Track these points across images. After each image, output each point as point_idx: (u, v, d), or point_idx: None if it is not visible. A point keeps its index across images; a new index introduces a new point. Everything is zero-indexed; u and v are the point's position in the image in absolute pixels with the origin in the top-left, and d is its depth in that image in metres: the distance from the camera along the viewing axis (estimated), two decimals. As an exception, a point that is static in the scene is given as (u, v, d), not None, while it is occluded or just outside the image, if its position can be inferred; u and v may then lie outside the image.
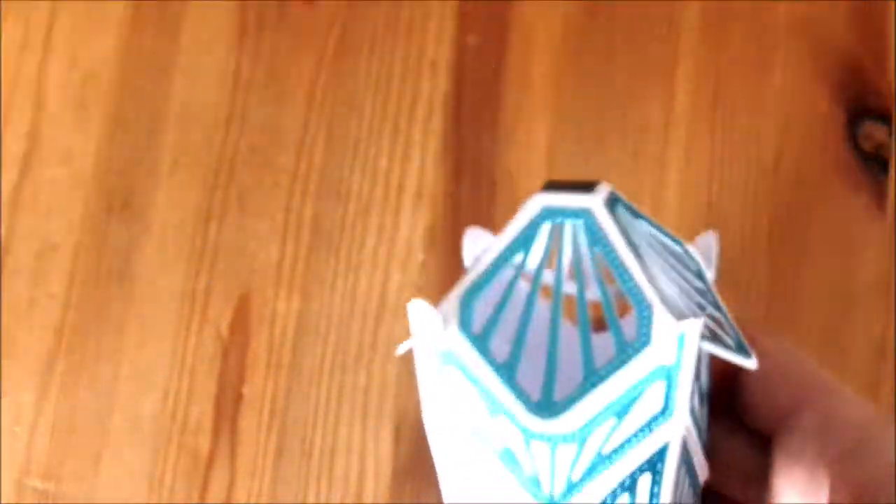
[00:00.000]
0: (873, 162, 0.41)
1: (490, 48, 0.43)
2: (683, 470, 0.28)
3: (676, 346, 0.26)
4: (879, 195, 0.41)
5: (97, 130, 0.42)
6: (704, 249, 0.31)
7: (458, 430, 0.27)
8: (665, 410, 0.27)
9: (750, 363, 0.28)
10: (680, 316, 0.27)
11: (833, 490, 0.28)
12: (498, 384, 0.27)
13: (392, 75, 0.42)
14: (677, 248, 0.30)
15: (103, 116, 0.43)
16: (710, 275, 0.30)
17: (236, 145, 0.42)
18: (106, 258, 0.41)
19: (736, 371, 0.30)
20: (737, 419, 0.31)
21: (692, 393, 0.27)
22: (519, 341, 0.27)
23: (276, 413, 0.40)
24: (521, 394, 0.27)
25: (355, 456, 0.39)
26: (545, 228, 0.28)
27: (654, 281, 0.27)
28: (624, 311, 0.28)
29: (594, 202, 0.27)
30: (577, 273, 0.27)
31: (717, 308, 0.30)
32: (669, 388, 0.26)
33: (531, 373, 0.27)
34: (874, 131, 0.41)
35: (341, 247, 0.41)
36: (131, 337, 0.41)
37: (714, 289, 0.30)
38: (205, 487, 0.39)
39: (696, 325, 0.26)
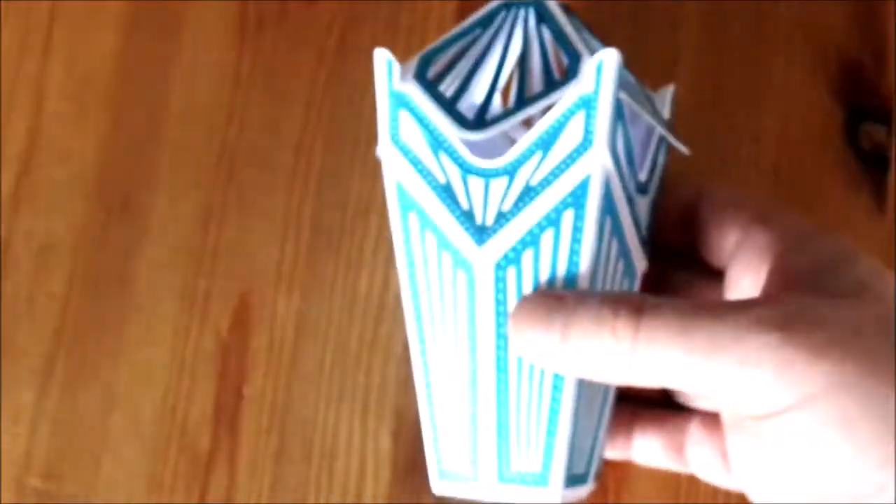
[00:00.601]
0: (873, 162, 0.41)
1: (490, 48, 0.43)
2: (609, 227, 0.30)
3: (595, 75, 0.29)
4: (879, 195, 0.41)
5: (97, 130, 0.42)
6: (661, 98, 0.35)
7: (406, 169, 0.31)
8: (585, 141, 0.29)
9: (683, 147, 0.32)
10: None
11: (776, 275, 0.29)
12: (438, 114, 0.30)
13: (392, 75, 0.42)
14: (630, 74, 0.33)
15: (103, 116, 0.43)
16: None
17: (236, 145, 0.42)
18: (106, 258, 0.41)
19: (690, 216, 0.32)
20: (697, 261, 0.33)
21: (613, 135, 0.29)
22: (465, 82, 0.31)
23: (276, 413, 0.40)
24: (458, 117, 0.30)
25: (355, 456, 0.39)
26: (503, 13, 0.32)
27: (593, 49, 0.31)
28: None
29: None
30: (525, 43, 0.31)
31: (660, 117, 0.33)
32: (589, 117, 0.29)
33: (471, 111, 0.31)
34: (874, 131, 0.41)
35: (341, 247, 0.41)
36: (131, 337, 0.41)
37: (661, 114, 0.33)
38: (205, 487, 0.39)
39: (613, 55, 0.29)
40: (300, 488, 0.39)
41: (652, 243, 0.34)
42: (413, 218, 0.31)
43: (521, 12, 0.32)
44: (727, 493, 0.36)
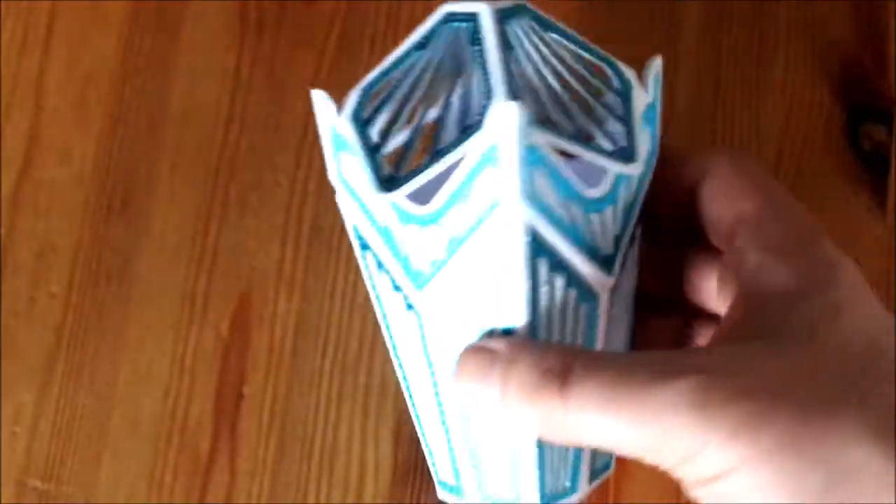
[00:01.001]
0: (873, 162, 0.41)
1: (490, 48, 0.43)
2: (546, 268, 0.28)
3: (496, 129, 0.27)
4: (879, 195, 0.41)
5: (97, 130, 0.42)
6: (651, 75, 0.33)
7: (354, 208, 0.30)
8: (497, 196, 0.28)
9: (627, 167, 0.29)
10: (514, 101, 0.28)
11: (737, 304, 0.28)
12: (361, 167, 0.29)
13: (392, 75, 0.42)
14: (602, 64, 0.31)
15: (103, 116, 0.43)
16: (643, 96, 0.31)
17: (236, 145, 0.42)
18: (106, 258, 0.41)
19: (693, 193, 0.31)
20: (702, 242, 0.32)
21: (531, 182, 0.28)
22: (391, 123, 0.30)
23: (276, 413, 0.40)
24: (375, 170, 0.29)
25: (355, 456, 0.39)
26: (442, 31, 0.30)
27: (516, 79, 0.29)
28: None
29: (483, 7, 0.30)
30: (453, 73, 0.30)
31: (623, 121, 0.30)
32: (497, 172, 0.28)
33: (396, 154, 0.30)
34: (874, 131, 0.41)
35: (341, 247, 0.41)
36: (131, 337, 0.40)
37: (637, 106, 0.31)
38: (205, 487, 0.39)
39: (512, 110, 0.27)
40: (300, 488, 0.39)
41: (644, 233, 0.32)
42: (369, 257, 0.31)
43: (454, 32, 0.30)
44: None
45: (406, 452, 0.39)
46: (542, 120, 0.28)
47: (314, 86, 0.31)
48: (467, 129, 0.28)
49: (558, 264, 0.29)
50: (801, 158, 0.41)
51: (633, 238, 0.31)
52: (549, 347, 0.28)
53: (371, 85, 0.31)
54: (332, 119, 0.30)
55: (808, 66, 0.42)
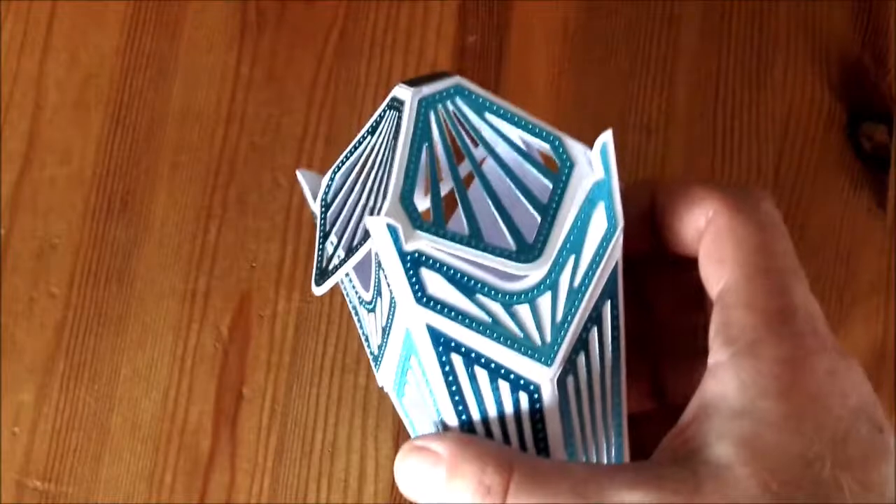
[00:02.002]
0: (873, 162, 0.41)
1: (490, 48, 0.43)
2: (461, 364, 0.29)
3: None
4: (879, 195, 0.41)
5: (97, 130, 0.42)
6: (597, 151, 0.31)
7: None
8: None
9: (524, 267, 0.29)
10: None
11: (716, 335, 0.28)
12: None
13: (392, 75, 0.42)
14: (544, 145, 0.31)
15: (103, 116, 0.43)
16: (589, 175, 0.30)
17: (236, 145, 0.42)
18: (106, 258, 0.41)
19: (654, 214, 0.31)
20: (664, 260, 0.32)
21: (419, 283, 0.28)
22: (340, 207, 0.30)
23: (276, 413, 0.40)
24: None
25: (355, 456, 0.39)
26: (387, 116, 0.30)
27: (421, 173, 0.29)
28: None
29: (406, 95, 0.29)
30: (381, 155, 0.30)
31: (542, 212, 0.30)
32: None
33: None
34: (874, 131, 0.41)
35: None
36: (131, 337, 0.41)
37: (573, 191, 0.30)
38: (205, 487, 0.39)
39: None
40: (300, 488, 0.39)
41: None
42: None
43: (394, 119, 0.30)
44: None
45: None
46: (428, 222, 0.28)
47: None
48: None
49: (475, 359, 0.28)
50: (801, 158, 0.41)
51: (598, 318, 0.30)
52: (489, 455, 0.28)
53: (336, 168, 0.32)
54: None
55: (808, 66, 0.42)
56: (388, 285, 0.28)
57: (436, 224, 0.28)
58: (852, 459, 0.26)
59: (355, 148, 0.31)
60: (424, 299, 0.28)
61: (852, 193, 0.41)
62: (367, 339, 0.31)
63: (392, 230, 0.27)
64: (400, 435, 0.39)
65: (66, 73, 0.43)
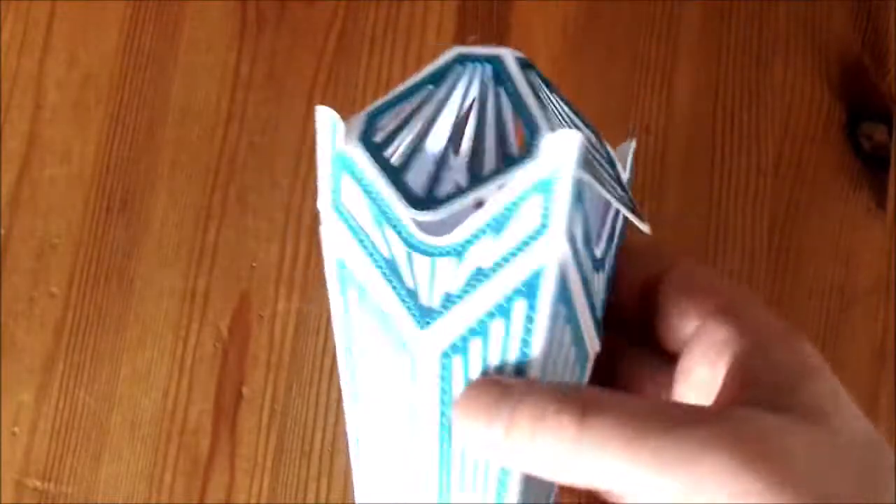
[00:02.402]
0: (873, 162, 0.41)
1: (490, 48, 0.43)
2: (563, 315, 0.27)
3: (554, 158, 0.26)
4: (879, 195, 0.41)
5: (97, 130, 0.42)
6: (622, 155, 0.32)
7: (346, 238, 0.28)
8: (541, 227, 0.26)
9: (642, 225, 0.28)
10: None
11: (733, 380, 0.27)
12: (384, 184, 0.27)
13: (392, 75, 0.42)
14: (591, 131, 0.31)
15: (103, 116, 0.43)
16: (624, 174, 0.30)
17: (236, 145, 0.42)
18: (106, 258, 0.41)
19: (651, 293, 0.30)
20: (653, 346, 0.31)
21: (571, 220, 0.26)
22: (414, 150, 0.28)
23: (276, 413, 0.40)
24: (405, 191, 0.27)
25: (355, 456, 0.39)
26: (457, 69, 0.29)
27: (551, 120, 0.28)
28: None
29: (505, 52, 0.29)
30: (480, 106, 0.29)
31: (621, 186, 0.30)
32: (546, 202, 0.26)
33: (420, 181, 0.29)
34: (874, 131, 0.41)
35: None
36: (131, 337, 0.41)
37: (622, 179, 0.30)
38: (205, 487, 0.39)
39: (575, 138, 0.26)
40: (300, 488, 0.39)
41: (605, 316, 0.31)
42: (352, 294, 0.28)
43: (478, 70, 0.29)
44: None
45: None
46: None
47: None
48: (510, 159, 0.27)
49: (572, 316, 0.28)
50: (801, 158, 0.41)
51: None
52: (566, 384, 0.26)
53: (377, 112, 0.29)
54: (338, 140, 0.28)
55: (808, 66, 0.42)
56: (531, 217, 0.26)
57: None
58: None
59: (407, 96, 0.30)
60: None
61: (852, 193, 0.41)
62: (411, 294, 0.28)
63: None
64: (400, 435, 0.39)
65: (66, 73, 0.43)
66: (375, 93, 0.42)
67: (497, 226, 0.27)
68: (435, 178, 0.29)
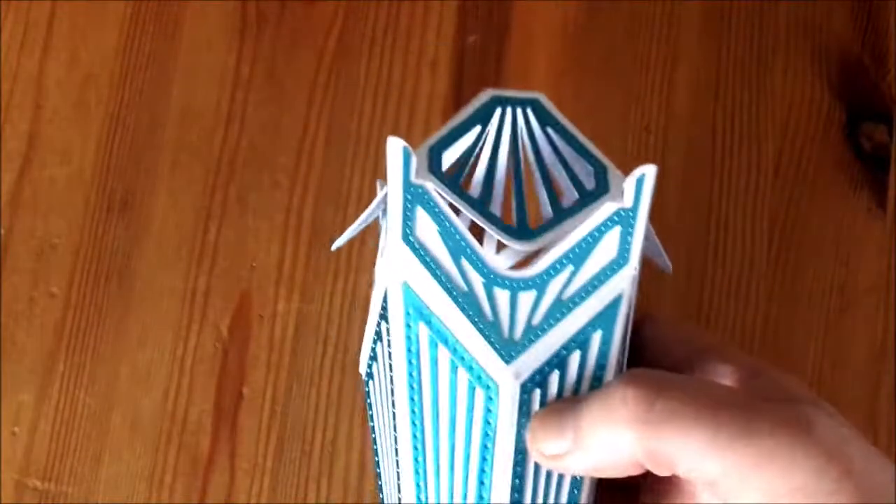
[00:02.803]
0: (873, 162, 0.41)
1: (490, 48, 0.43)
2: (623, 341, 0.28)
3: (634, 190, 0.28)
4: (879, 195, 0.41)
5: (97, 130, 0.42)
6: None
7: (418, 272, 0.28)
8: (620, 258, 0.28)
9: (665, 263, 0.30)
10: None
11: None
12: (477, 215, 0.28)
13: (392, 75, 0.42)
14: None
15: (103, 116, 0.43)
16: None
17: (236, 145, 0.42)
18: (106, 258, 0.41)
19: (632, 340, 0.31)
20: None
21: (643, 251, 0.28)
22: (487, 185, 0.29)
23: (276, 413, 0.40)
24: (497, 221, 0.28)
25: (355, 456, 0.39)
26: (497, 111, 0.30)
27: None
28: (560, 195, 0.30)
29: (540, 95, 0.30)
30: (531, 144, 0.30)
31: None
32: (625, 233, 0.28)
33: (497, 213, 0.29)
34: (874, 131, 0.41)
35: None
36: (131, 337, 0.41)
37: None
38: (205, 487, 0.39)
39: (652, 170, 0.28)
40: (300, 488, 0.39)
41: None
42: (423, 329, 0.28)
43: (520, 111, 0.30)
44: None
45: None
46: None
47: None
48: (586, 193, 0.29)
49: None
50: (801, 158, 0.41)
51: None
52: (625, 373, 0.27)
53: (439, 146, 0.30)
54: (412, 173, 0.28)
55: (808, 66, 0.42)
56: (612, 247, 0.28)
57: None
58: None
59: (459, 132, 0.30)
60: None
61: (852, 193, 0.41)
62: (491, 327, 0.28)
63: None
64: (400, 435, 0.39)
65: (66, 73, 0.43)
66: (375, 93, 0.42)
67: (577, 258, 0.28)
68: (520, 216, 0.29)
